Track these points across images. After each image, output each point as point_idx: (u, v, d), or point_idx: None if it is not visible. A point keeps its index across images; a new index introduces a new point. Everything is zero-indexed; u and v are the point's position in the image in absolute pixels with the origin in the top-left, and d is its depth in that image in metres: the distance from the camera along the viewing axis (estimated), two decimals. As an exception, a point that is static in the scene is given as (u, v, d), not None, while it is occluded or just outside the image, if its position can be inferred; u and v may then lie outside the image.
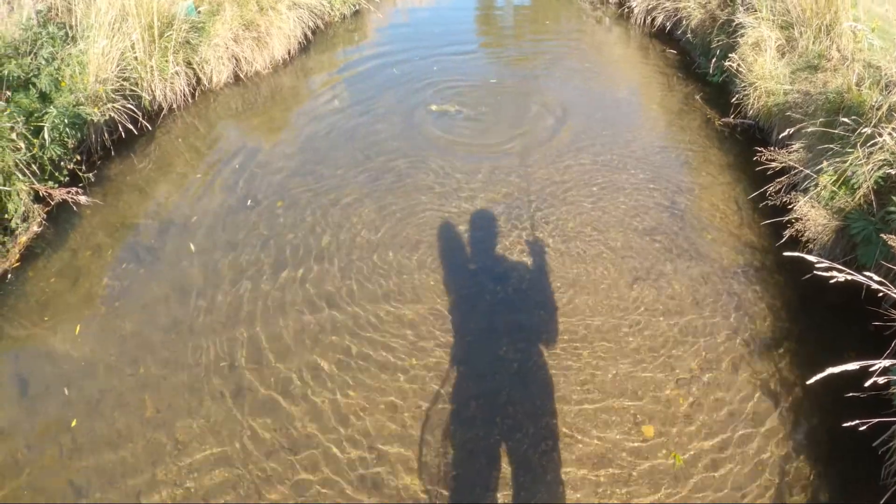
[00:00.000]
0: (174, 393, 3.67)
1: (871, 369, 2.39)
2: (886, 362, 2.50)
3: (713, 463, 3.17)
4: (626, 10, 9.46)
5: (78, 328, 4.18)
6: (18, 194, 5.17)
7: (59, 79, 5.77)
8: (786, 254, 2.93)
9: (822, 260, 2.62)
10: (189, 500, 3.13)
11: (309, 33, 8.58)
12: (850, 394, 2.79)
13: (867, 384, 2.42)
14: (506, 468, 3.16)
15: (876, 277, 2.59)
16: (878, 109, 4.22)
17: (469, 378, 3.62)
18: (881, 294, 2.77)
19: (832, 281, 2.59)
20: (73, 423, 3.54)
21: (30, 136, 5.28)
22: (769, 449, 3.23)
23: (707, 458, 3.19)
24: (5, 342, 4.16)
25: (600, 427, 3.33)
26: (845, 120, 4.36)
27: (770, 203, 4.68)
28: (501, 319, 4.00)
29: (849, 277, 2.59)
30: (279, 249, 4.73)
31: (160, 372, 3.81)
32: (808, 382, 2.26)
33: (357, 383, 3.65)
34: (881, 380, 2.44)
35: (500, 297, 4.16)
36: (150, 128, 6.39)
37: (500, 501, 3.03)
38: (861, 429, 2.68)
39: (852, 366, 2.29)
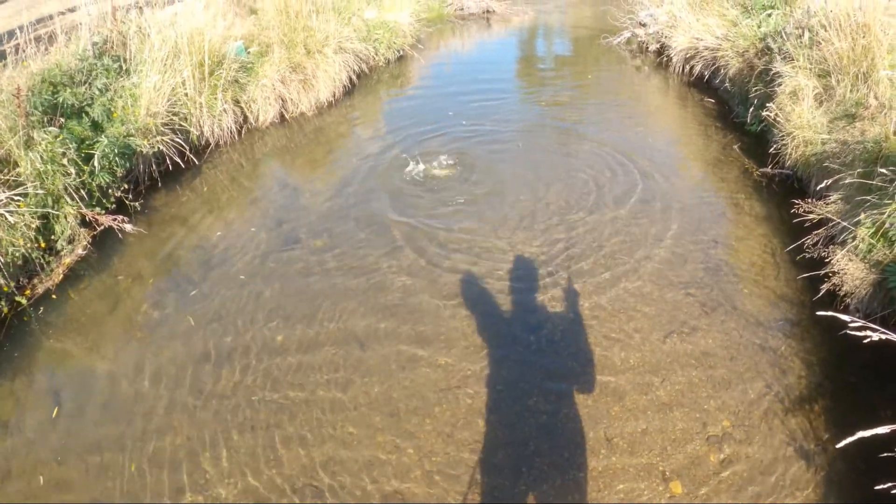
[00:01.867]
0: (204, 422, 3.72)
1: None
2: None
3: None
4: (665, 58, 9.50)
5: (107, 355, 4.28)
6: (66, 217, 5.37)
7: (112, 109, 6.00)
8: (819, 313, 2.88)
9: (856, 319, 2.58)
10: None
11: (354, 77, 8.76)
12: (885, 454, 2.70)
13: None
14: (531, 519, 3.12)
15: (913, 337, 2.54)
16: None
17: (497, 427, 3.59)
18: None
19: (866, 341, 2.54)
20: (102, 444, 3.61)
21: (80, 163, 5.50)
22: (799, 490, 3.16)
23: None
24: (43, 359, 4.30)
25: (628, 482, 3.26)
26: (883, 171, 4.31)
27: (807, 255, 4.61)
28: (533, 369, 3.97)
29: (883, 337, 2.55)
30: (315, 287, 4.80)
31: (192, 401, 3.87)
32: (839, 446, 2.20)
33: (385, 426, 3.65)
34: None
35: (532, 348, 4.14)
36: (196, 162, 6.59)
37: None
38: (894, 492, 2.59)
39: (884, 429, 2.23)
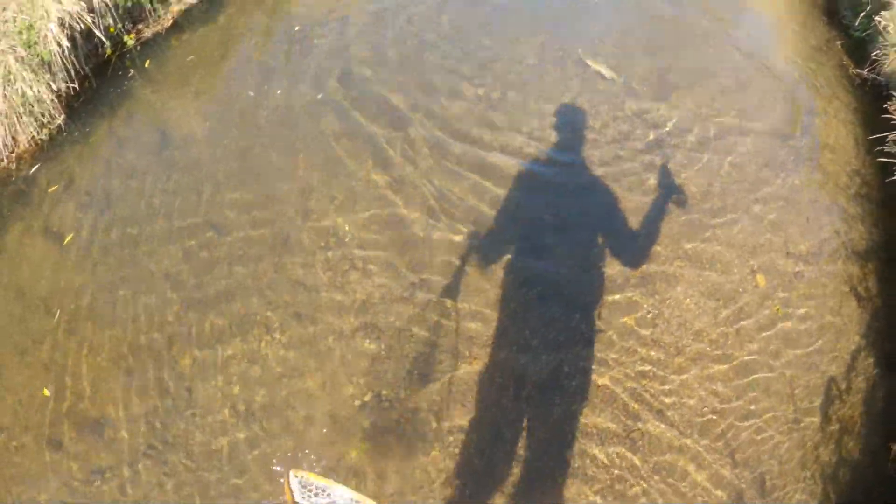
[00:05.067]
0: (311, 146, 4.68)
1: None
2: None
3: (803, 321, 4.02)
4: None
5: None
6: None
7: None
8: None
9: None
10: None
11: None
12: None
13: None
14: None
15: None
16: None
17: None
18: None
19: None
20: (219, 169, 4.45)
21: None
22: (847, 321, 4.09)
23: (802, 318, 4.05)
24: (145, 106, 5.05)
25: (719, 269, 4.21)
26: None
27: (887, 150, 5.28)
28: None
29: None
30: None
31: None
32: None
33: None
34: None
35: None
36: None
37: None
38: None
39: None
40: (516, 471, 3.33)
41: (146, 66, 5.34)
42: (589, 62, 5.95)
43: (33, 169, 4.56)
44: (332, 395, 3.50)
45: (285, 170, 4.54)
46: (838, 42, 7.14)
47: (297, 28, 5.84)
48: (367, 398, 3.50)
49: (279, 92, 5.11)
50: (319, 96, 5.15)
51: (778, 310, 4.03)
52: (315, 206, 4.34)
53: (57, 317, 3.76)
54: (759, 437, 3.54)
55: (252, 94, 5.12)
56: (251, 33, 5.76)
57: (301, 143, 4.74)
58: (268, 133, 4.80)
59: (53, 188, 4.45)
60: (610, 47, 6.17)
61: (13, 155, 4.62)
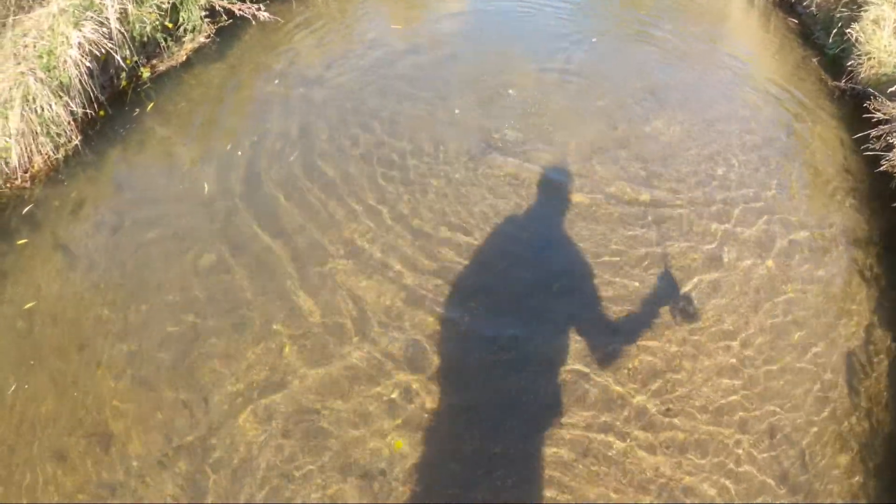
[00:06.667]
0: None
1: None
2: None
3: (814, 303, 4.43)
4: (754, -23, 10.26)
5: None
6: (194, 4, 6.26)
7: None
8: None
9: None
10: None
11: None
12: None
13: None
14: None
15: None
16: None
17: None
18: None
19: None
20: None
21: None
22: (857, 303, 4.48)
23: (812, 301, 4.45)
24: (156, 136, 5.40)
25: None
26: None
27: (870, 146, 5.70)
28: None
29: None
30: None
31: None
32: None
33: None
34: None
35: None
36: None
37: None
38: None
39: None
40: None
41: (157, 100, 5.67)
42: None
43: (46, 188, 4.78)
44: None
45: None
46: (814, 59, 7.67)
47: (276, 82, 6.20)
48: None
49: (254, 138, 5.37)
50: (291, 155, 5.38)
51: (790, 290, 4.46)
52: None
53: (65, 333, 3.87)
54: (793, 416, 3.74)
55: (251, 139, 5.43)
56: (255, 73, 6.14)
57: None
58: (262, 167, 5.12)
59: (65, 207, 4.66)
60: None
61: (27, 175, 4.82)
